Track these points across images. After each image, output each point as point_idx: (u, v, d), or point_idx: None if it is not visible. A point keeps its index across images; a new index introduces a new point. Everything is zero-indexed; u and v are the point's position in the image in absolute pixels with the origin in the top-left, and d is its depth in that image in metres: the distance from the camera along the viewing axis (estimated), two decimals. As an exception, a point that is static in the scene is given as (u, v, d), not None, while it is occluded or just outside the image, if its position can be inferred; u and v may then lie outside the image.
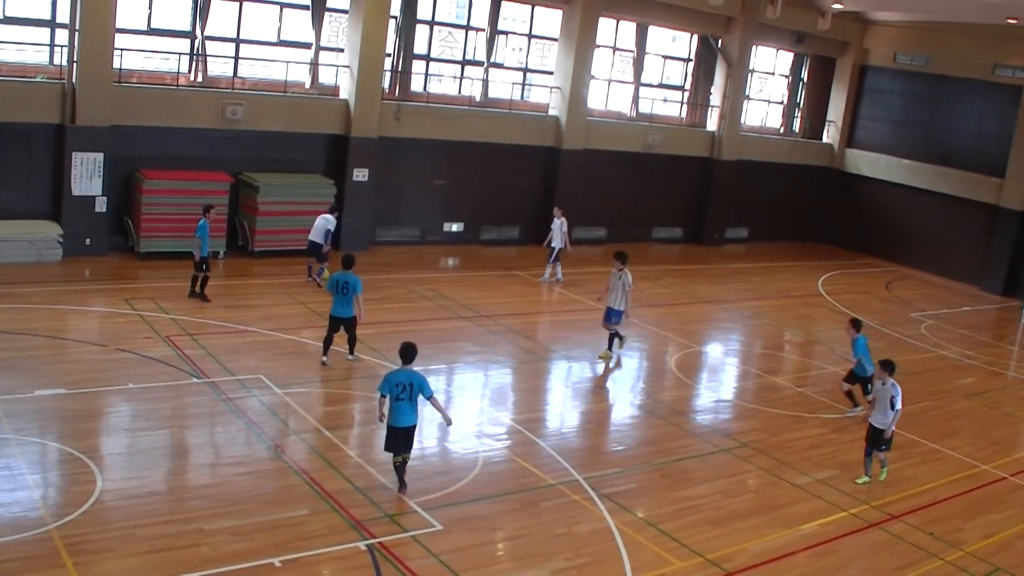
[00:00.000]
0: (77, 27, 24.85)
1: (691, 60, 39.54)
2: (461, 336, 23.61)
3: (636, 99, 37.81)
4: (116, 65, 25.88)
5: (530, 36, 34.88)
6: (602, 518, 15.13)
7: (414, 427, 14.98)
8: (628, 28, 36.95)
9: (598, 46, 35.36)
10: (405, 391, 14.63)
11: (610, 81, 37.33)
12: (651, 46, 37.87)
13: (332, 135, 30.04)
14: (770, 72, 42.73)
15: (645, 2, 35.89)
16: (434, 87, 33.32)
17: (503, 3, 33.41)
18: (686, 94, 39.86)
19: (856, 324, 21.06)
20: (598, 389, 21.91)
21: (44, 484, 14.12)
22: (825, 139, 44.23)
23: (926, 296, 35.87)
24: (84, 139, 25.40)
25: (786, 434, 19.89)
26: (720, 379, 24.00)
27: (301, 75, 29.95)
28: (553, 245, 29.50)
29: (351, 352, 20.55)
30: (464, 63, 33.61)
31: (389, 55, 30.95)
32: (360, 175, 30.16)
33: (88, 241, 25.98)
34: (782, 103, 43.57)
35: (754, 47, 39.99)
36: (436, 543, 13.64)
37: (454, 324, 24.43)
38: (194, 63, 28.00)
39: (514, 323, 25.18)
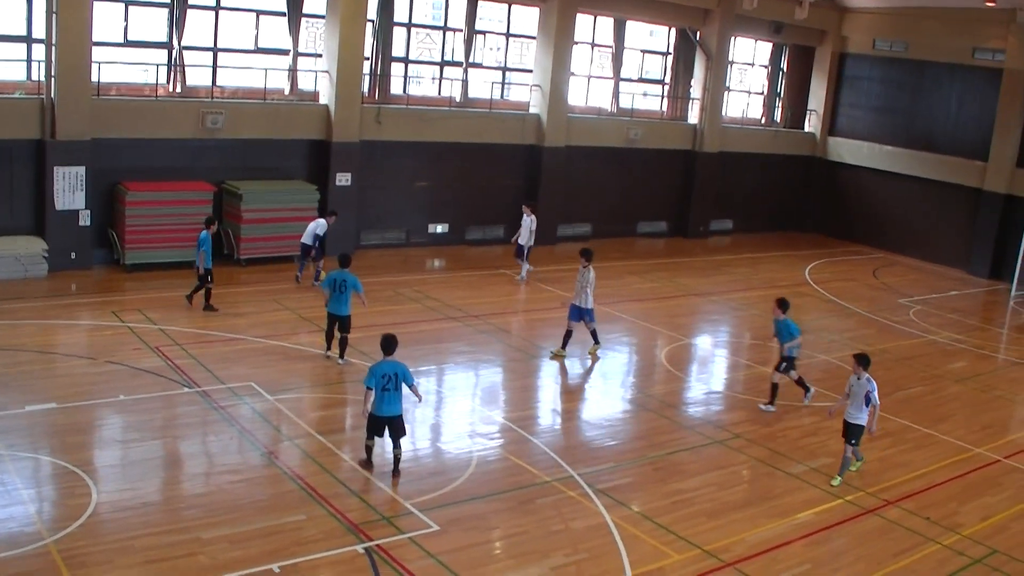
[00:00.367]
0: (54, 42, 24.72)
1: (670, 54, 39.55)
2: (450, 336, 23.60)
3: (616, 94, 37.85)
4: (94, 78, 25.74)
5: (508, 35, 34.86)
6: (598, 513, 15.13)
7: (400, 416, 15.55)
8: (606, 23, 36.97)
9: (576, 43, 35.34)
10: (391, 381, 15.29)
11: (590, 77, 37.35)
12: (629, 41, 37.88)
13: (313, 140, 30.00)
14: (749, 63, 42.81)
15: (622, -3, 36.02)
16: (414, 89, 33.25)
17: (480, 3, 33.38)
18: (666, 88, 39.88)
19: (782, 304, 20.30)
20: (589, 385, 21.96)
21: (39, 499, 14.04)
22: (807, 128, 44.34)
23: (913, 282, 35.97)
24: (65, 153, 25.30)
25: (778, 424, 19.92)
26: (710, 371, 24.02)
27: (280, 82, 29.87)
28: (522, 242, 29.50)
29: (342, 351, 20.66)
30: (443, 64, 33.58)
31: (367, 59, 30.90)
32: (343, 179, 30.13)
33: (73, 255, 25.89)
34: (762, 94, 43.66)
35: (732, 38, 40.01)
36: (433, 544, 13.63)
37: (442, 325, 24.41)
38: (172, 73, 27.90)
39: (502, 322, 25.20)
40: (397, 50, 32.21)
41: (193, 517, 13.78)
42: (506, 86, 35.31)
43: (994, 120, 37.61)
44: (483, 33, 34.47)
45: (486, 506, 15.09)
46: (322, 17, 29.90)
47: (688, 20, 38.59)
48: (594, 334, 23.07)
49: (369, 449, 15.78)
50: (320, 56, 30.21)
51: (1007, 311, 33.28)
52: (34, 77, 25.67)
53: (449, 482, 15.73)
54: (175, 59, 27.79)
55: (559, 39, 34.26)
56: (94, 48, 25.68)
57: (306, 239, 26.49)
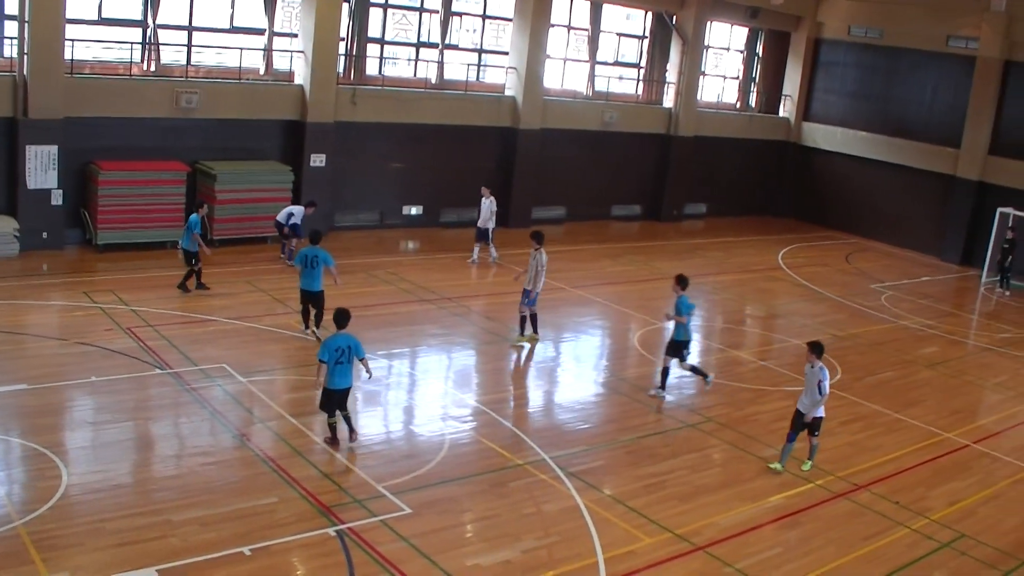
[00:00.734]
0: (27, 18, 24.51)
1: (646, 37, 39.54)
2: (423, 319, 23.58)
3: (592, 77, 37.81)
4: (68, 56, 25.54)
5: (484, 17, 34.81)
6: (570, 497, 15.18)
7: (350, 388, 16.01)
8: (582, 7, 36.92)
9: (552, 25, 35.32)
10: (344, 355, 15.60)
11: (565, 60, 37.29)
12: (605, 24, 37.85)
13: (288, 121, 29.88)
14: (725, 48, 42.82)
15: (599, -20, 35.94)
16: (389, 70, 33.16)
17: (457, -16, 33.32)
18: (642, 71, 39.89)
19: (682, 281, 19.57)
20: (561, 369, 22.01)
21: (8, 481, 13.99)
22: (781, 113, 44.41)
23: (886, 267, 36.16)
24: (37, 132, 25.11)
25: (751, 408, 20.03)
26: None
27: (255, 62, 29.72)
28: (487, 225, 29.31)
29: (316, 326, 20.88)
30: (419, 45, 33.47)
31: (343, 39, 30.77)
32: (317, 160, 30.02)
33: (45, 235, 25.73)
34: (738, 78, 43.69)
35: (708, 23, 40.04)
36: (405, 527, 13.65)
37: (416, 307, 24.39)
38: (147, 52, 27.72)
39: (476, 304, 25.20)
40: (373, 31, 32.09)
41: (164, 499, 13.75)
42: (482, 68, 35.24)
43: (967, 107, 37.81)
44: (459, 15, 34.37)
45: (458, 489, 15.12)
46: (298, -3, 29.80)
47: (664, 4, 38.58)
48: (534, 319, 22.60)
49: (332, 426, 16.01)
50: (296, 36, 30.05)
51: (978, 297, 33.52)
52: (6, 54, 25.46)
53: (421, 465, 15.74)
54: (150, 37, 27.60)
55: (535, 21, 34.18)
56: (68, 25, 25.47)
57: (280, 218, 26.57)
